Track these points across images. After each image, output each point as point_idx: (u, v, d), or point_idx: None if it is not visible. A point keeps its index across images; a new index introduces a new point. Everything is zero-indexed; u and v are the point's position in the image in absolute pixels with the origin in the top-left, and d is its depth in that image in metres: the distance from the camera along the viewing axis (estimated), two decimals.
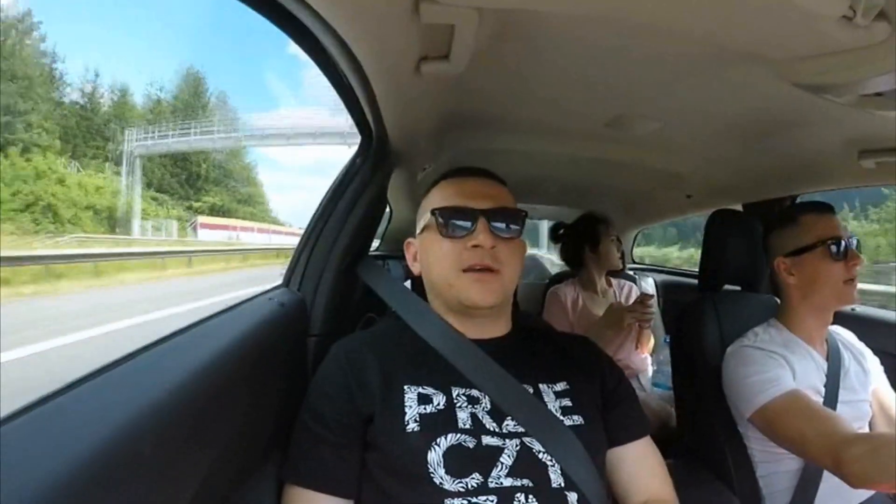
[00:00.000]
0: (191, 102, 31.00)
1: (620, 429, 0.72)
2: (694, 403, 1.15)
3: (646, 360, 1.78)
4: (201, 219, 26.44)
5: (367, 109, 0.80)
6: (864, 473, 0.74)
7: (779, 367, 0.95)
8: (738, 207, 1.65)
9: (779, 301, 1.11)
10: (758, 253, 1.16)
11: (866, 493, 0.93)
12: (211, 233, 25.31)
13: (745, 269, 1.20)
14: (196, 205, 28.33)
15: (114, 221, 21.91)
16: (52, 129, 22.29)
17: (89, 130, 25.14)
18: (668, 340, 1.54)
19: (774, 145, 1.13)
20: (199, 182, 29.51)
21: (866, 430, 1.02)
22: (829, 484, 0.93)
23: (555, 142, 1.27)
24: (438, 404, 0.65)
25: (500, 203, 0.73)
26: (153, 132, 25.36)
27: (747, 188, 1.53)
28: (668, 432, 1.36)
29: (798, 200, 1.52)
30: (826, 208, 1.02)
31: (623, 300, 1.84)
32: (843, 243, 0.96)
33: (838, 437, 0.80)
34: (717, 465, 1.00)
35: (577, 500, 0.61)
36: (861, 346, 1.11)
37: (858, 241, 0.98)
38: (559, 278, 2.10)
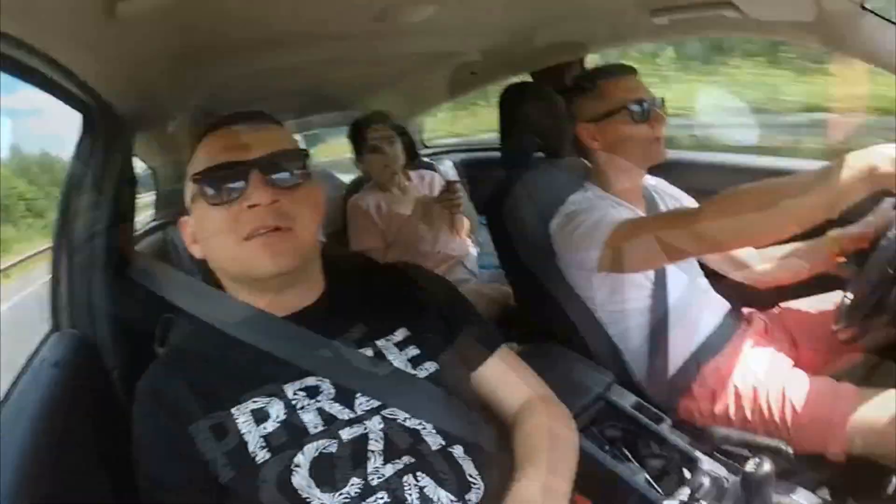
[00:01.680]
0: None
1: (472, 352, 0.71)
2: (527, 282, 1.16)
3: (466, 244, 1.80)
4: None
5: (65, 82, 0.71)
6: (722, 230, 0.77)
7: (603, 209, 0.96)
8: (528, 78, 1.65)
9: (588, 164, 1.13)
10: (555, 119, 1.16)
11: (713, 324, 1.03)
12: None
13: (546, 137, 1.20)
14: None
15: None
16: None
17: None
18: (484, 221, 1.55)
19: (554, 7, 1.09)
20: None
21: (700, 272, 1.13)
22: (678, 331, 1.01)
23: (318, 49, 1.10)
24: (277, 416, 0.58)
25: (274, 147, 0.62)
26: None
27: (533, 56, 1.51)
28: (511, 312, 1.38)
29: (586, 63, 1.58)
30: (625, 70, 1.03)
31: (426, 191, 1.79)
32: (644, 104, 0.99)
33: (682, 217, 0.84)
34: (568, 336, 1.03)
35: (465, 451, 0.58)
36: (673, 189, 1.17)
37: (663, 99, 1.02)
38: (356, 186, 1.91)
